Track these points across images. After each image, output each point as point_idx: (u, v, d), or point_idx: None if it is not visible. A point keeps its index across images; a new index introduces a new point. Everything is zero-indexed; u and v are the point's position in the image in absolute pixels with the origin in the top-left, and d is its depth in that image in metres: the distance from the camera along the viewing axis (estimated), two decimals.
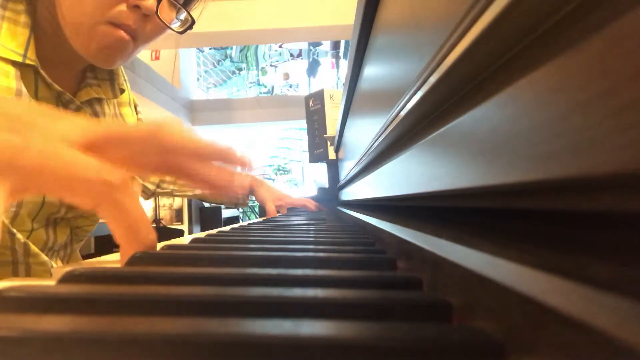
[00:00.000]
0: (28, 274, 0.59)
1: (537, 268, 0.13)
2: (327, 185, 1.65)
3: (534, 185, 0.14)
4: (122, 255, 0.29)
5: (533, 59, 0.14)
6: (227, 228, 0.62)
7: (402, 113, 0.31)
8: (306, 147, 1.88)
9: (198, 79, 6.92)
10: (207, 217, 4.17)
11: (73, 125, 0.27)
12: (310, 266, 0.28)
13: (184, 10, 0.58)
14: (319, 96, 1.77)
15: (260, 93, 7.43)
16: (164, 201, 4.28)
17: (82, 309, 0.17)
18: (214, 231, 0.58)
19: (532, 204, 0.16)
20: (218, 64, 7.40)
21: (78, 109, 0.60)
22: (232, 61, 7.49)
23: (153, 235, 0.30)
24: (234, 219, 5.03)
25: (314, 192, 1.71)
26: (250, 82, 7.55)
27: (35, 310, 0.17)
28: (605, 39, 0.10)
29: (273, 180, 7.79)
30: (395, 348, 0.13)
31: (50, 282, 0.22)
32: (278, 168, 7.84)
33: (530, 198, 0.16)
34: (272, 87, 7.58)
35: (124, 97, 0.71)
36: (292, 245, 0.37)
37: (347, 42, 5.86)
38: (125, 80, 0.71)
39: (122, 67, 0.67)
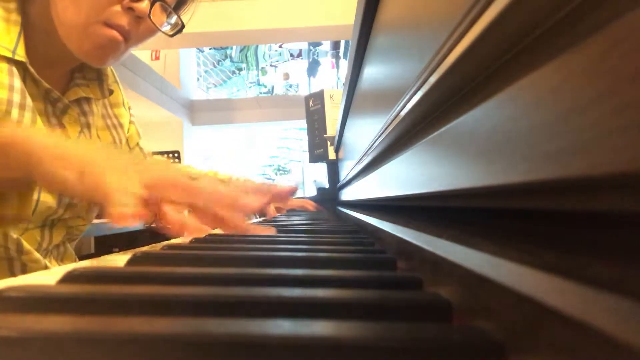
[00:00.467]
0: (24, 271, 0.59)
1: (537, 268, 0.13)
2: (327, 185, 1.65)
3: (534, 185, 0.14)
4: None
5: (533, 59, 0.14)
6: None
7: (402, 113, 0.31)
8: (306, 147, 1.88)
9: (198, 79, 6.92)
10: None
11: (145, 171, 0.39)
12: (310, 266, 0.28)
13: (174, 14, 0.60)
14: (319, 96, 1.77)
15: (260, 93, 7.43)
16: None
17: (82, 309, 0.17)
18: (213, 231, 0.58)
19: (532, 204, 0.16)
20: (218, 64, 7.40)
21: (65, 108, 0.62)
22: (232, 61, 7.49)
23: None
24: None
25: (313, 193, 1.71)
26: (250, 82, 7.55)
27: (35, 310, 0.17)
28: (605, 39, 0.10)
29: (273, 180, 7.79)
30: (395, 348, 0.13)
31: (50, 282, 0.22)
32: (278, 168, 7.84)
33: (530, 198, 0.16)
34: (272, 87, 7.58)
35: (117, 98, 0.72)
36: (292, 245, 0.37)
37: (347, 42, 5.86)
38: (116, 82, 0.72)
39: (112, 68, 0.69)
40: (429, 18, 0.24)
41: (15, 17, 0.54)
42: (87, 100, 0.66)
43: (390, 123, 0.36)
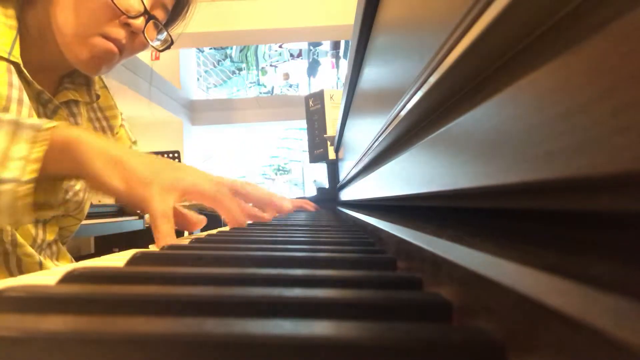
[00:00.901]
0: (19, 266, 0.62)
1: (537, 268, 0.13)
2: (327, 185, 1.65)
3: (534, 185, 0.14)
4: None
5: (533, 59, 0.14)
6: (227, 228, 0.62)
7: (402, 113, 0.31)
8: (306, 147, 1.88)
9: (198, 79, 6.92)
10: (207, 217, 4.17)
11: (183, 179, 0.48)
12: (310, 266, 0.28)
13: (165, 30, 0.65)
14: (319, 96, 1.77)
15: (260, 93, 7.42)
16: None
17: (82, 309, 0.17)
18: (214, 231, 0.58)
19: (532, 204, 0.16)
20: (218, 64, 7.40)
21: (55, 109, 0.65)
22: (232, 61, 7.49)
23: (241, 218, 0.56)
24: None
25: (312, 193, 1.71)
26: (250, 82, 7.55)
27: (35, 310, 0.17)
28: (605, 39, 0.10)
29: (273, 180, 7.79)
30: (395, 348, 0.13)
31: (50, 282, 0.22)
32: (278, 168, 7.84)
33: (530, 198, 0.16)
34: (272, 87, 7.58)
35: (108, 101, 0.76)
36: (292, 245, 0.37)
37: (347, 42, 5.86)
38: (105, 87, 0.76)
39: (100, 75, 0.73)
40: (429, 18, 0.24)
41: (12, 22, 0.57)
42: (76, 103, 0.70)
43: (390, 123, 0.36)
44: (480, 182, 0.17)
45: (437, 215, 0.35)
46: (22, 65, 0.58)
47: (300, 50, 7.41)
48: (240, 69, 7.54)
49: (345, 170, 1.05)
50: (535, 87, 0.13)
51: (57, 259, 0.73)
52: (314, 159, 1.77)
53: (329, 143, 1.66)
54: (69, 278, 0.22)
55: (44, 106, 0.64)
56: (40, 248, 0.67)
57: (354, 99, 0.81)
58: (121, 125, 0.80)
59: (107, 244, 2.91)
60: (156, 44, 0.65)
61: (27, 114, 0.57)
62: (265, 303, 0.17)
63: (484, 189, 0.18)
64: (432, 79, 0.23)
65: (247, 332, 0.13)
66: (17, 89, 0.56)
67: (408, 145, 0.33)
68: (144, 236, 2.68)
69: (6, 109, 0.53)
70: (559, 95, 0.12)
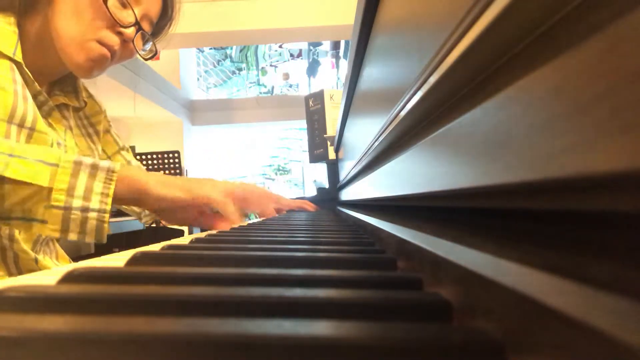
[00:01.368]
0: (17, 262, 0.66)
1: (537, 268, 0.13)
2: (327, 185, 1.65)
3: (534, 185, 0.14)
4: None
5: (533, 59, 0.14)
6: (227, 228, 0.62)
7: (402, 113, 0.31)
8: (306, 147, 1.88)
9: (198, 79, 6.92)
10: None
11: (223, 185, 0.63)
12: (310, 266, 0.28)
13: (151, 41, 0.75)
14: (319, 96, 1.77)
15: (260, 93, 7.42)
16: None
17: (82, 309, 0.17)
18: (214, 231, 0.58)
19: (532, 204, 0.16)
20: (218, 64, 7.39)
21: (50, 110, 0.71)
22: (232, 61, 7.49)
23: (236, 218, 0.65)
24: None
25: (313, 193, 1.71)
26: (250, 82, 7.55)
27: (35, 310, 0.17)
28: (605, 39, 0.10)
29: (273, 180, 7.79)
30: (395, 348, 0.13)
31: (50, 282, 0.22)
32: (278, 168, 7.84)
33: (530, 198, 0.16)
34: (272, 87, 7.57)
35: (94, 107, 0.83)
36: (292, 245, 0.37)
37: (347, 42, 5.86)
38: (91, 96, 0.83)
39: (84, 85, 0.81)
40: (429, 18, 0.24)
41: (14, 28, 0.64)
42: (66, 107, 0.76)
43: (390, 123, 0.36)
44: (480, 182, 0.17)
45: (437, 215, 0.35)
46: (24, 66, 0.63)
47: (300, 50, 7.40)
48: (240, 69, 7.54)
49: (346, 170, 1.05)
50: (535, 87, 0.13)
51: (56, 259, 0.76)
52: (314, 159, 1.77)
53: (329, 143, 1.66)
54: (69, 278, 0.22)
55: (39, 107, 0.68)
56: (39, 243, 0.71)
57: (354, 99, 0.81)
58: (107, 131, 0.86)
59: (107, 244, 2.90)
60: (142, 52, 0.74)
61: (32, 110, 0.63)
62: (265, 303, 0.17)
63: (484, 189, 0.18)
64: (432, 79, 0.23)
65: (247, 332, 0.13)
66: (20, 85, 0.62)
67: (408, 145, 0.33)
68: (144, 236, 2.68)
69: (14, 106, 0.60)
70: (558, 95, 0.12)
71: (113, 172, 0.52)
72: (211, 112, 6.39)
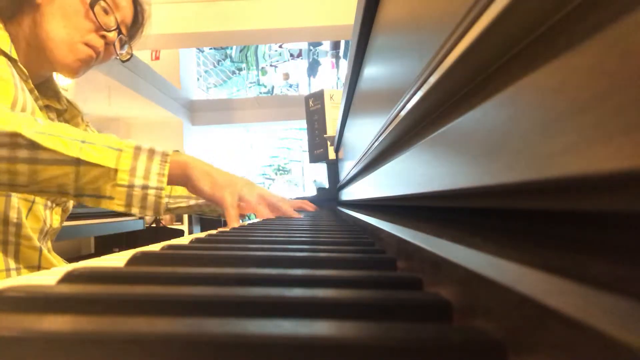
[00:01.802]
0: (17, 256, 0.70)
1: (537, 268, 0.13)
2: (327, 185, 1.65)
3: (534, 185, 0.14)
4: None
5: (533, 59, 0.14)
6: (227, 228, 0.62)
7: (402, 113, 0.31)
8: (306, 147, 1.88)
9: (198, 79, 6.92)
10: (206, 220, 4.17)
11: (250, 186, 0.71)
12: (310, 266, 0.28)
13: (129, 44, 0.84)
14: (319, 96, 1.77)
15: (260, 93, 7.42)
16: None
17: (82, 309, 0.17)
18: (214, 231, 0.58)
19: (532, 204, 0.16)
20: (218, 64, 7.39)
21: (40, 109, 0.75)
22: (232, 61, 7.49)
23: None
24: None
25: (313, 193, 1.71)
26: (250, 82, 7.55)
27: (35, 310, 0.17)
28: (605, 39, 0.10)
29: (273, 180, 7.79)
30: (395, 348, 0.13)
31: (50, 282, 0.22)
32: (278, 168, 7.83)
33: (530, 198, 0.16)
34: (272, 87, 7.57)
35: (72, 112, 0.88)
36: (292, 245, 0.37)
37: (347, 42, 5.86)
38: (69, 102, 0.89)
39: (63, 93, 0.87)
40: (429, 18, 0.24)
41: (2, 32, 0.70)
42: (49, 109, 0.81)
43: (390, 123, 0.36)
44: (480, 182, 0.17)
45: (437, 215, 0.35)
46: (18, 62, 0.68)
47: (300, 50, 7.40)
48: (240, 69, 7.54)
49: (346, 170, 1.05)
50: (535, 87, 0.13)
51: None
52: (314, 159, 1.77)
53: (329, 143, 1.66)
54: (69, 278, 0.22)
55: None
56: (44, 234, 0.75)
57: (354, 99, 0.81)
58: (85, 130, 0.90)
59: (107, 244, 2.91)
60: (121, 54, 0.83)
61: (30, 102, 0.67)
62: (265, 303, 0.17)
63: (484, 189, 0.18)
64: (432, 79, 0.23)
65: (247, 332, 0.13)
66: (18, 79, 0.66)
67: (408, 145, 0.33)
68: (144, 236, 2.68)
69: (15, 96, 0.63)
70: (558, 95, 0.12)
71: (167, 155, 0.61)
72: (211, 112, 6.39)
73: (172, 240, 0.46)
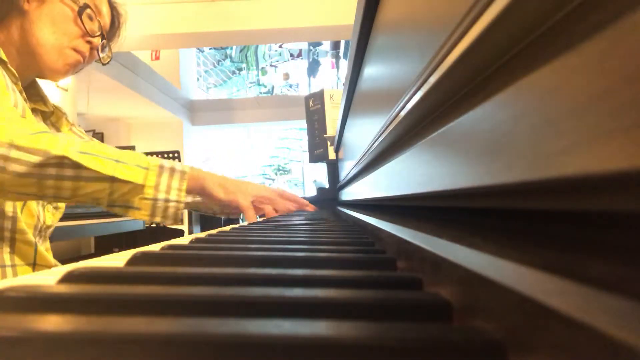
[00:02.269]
0: (12, 251, 0.72)
1: (537, 268, 0.13)
2: (327, 185, 1.65)
3: (534, 185, 0.14)
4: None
5: (533, 59, 0.14)
6: (227, 228, 0.62)
7: (402, 113, 0.31)
8: (306, 147, 1.88)
9: (198, 79, 6.92)
10: (207, 217, 4.17)
11: (253, 187, 0.81)
12: (310, 266, 0.28)
13: (108, 48, 0.90)
14: (319, 96, 1.77)
15: (260, 93, 7.42)
16: None
17: (82, 309, 0.17)
18: (214, 231, 0.58)
19: (532, 204, 0.16)
20: (218, 64, 7.39)
21: (30, 111, 0.80)
22: (232, 61, 7.49)
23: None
24: (234, 219, 5.03)
25: (312, 193, 1.71)
26: (250, 82, 7.55)
27: (35, 310, 0.17)
28: (605, 39, 0.10)
29: (273, 180, 7.79)
30: (395, 348, 0.13)
31: (50, 282, 0.22)
32: (278, 168, 7.83)
33: (530, 198, 0.16)
34: (272, 87, 7.57)
35: (57, 114, 0.91)
36: (292, 245, 0.37)
37: (347, 42, 5.86)
38: (55, 106, 0.92)
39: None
40: (429, 18, 0.24)
41: None
42: (36, 112, 0.84)
43: (390, 123, 0.36)
44: (480, 182, 0.17)
45: (437, 215, 0.35)
46: (8, 64, 0.71)
47: (300, 50, 7.40)
48: (240, 69, 7.54)
49: (346, 170, 1.05)
50: (535, 87, 0.13)
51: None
52: (314, 159, 1.77)
53: (329, 143, 1.66)
54: (69, 278, 0.22)
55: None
56: (38, 231, 0.78)
57: (354, 99, 0.81)
58: (70, 130, 0.93)
59: (107, 244, 2.91)
60: (102, 56, 0.88)
61: (21, 101, 0.69)
62: (265, 303, 0.17)
63: (483, 189, 0.18)
64: (432, 79, 0.23)
65: (247, 332, 0.13)
66: (8, 79, 0.69)
67: (408, 145, 0.33)
68: (144, 236, 2.68)
69: (15, 102, 0.67)
70: (558, 95, 0.12)
71: (185, 173, 0.71)
72: (211, 112, 6.39)
73: (172, 240, 0.46)
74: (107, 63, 0.90)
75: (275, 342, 0.13)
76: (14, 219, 0.72)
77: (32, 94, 0.85)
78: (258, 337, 0.13)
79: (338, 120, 1.19)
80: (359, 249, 0.35)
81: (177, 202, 0.69)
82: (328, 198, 1.57)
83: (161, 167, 0.68)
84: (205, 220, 4.17)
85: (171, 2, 3.44)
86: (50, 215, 0.83)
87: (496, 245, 0.17)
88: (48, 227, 0.82)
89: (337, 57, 7.04)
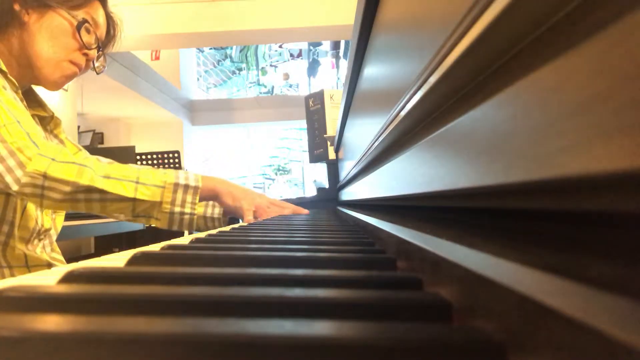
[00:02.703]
0: (4, 254, 0.76)
1: (537, 268, 0.13)
2: (327, 185, 1.65)
3: (534, 185, 0.14)
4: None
5: (533, 59, 0.14)
6: (227, 228, 0.62)
7: (402, 113, 0.31)
8: (306, 147, 1.88)
9: (198, 79, 6.91)
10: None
11: (254, 195, 0.90)
12: (310, 266, 0.28)
13: (103, 57, 0.94)
14: (319, 96, 1.77)
15: (260, 93, 7.42)
16: None
17: (82, 309, 0.17)
18: (214, 231, 0.58)
19: (532, 204, 0.16)
20: (218, 64, 7.39)
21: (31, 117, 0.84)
22: (232, 61, 7.49)
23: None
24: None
25: (311, 193, 1.71)
26: (250, 82, 7.55)
27: (35, 310, 0.17)
28: (605, 39, 0.10)
29: (273, 180, 7.79)
30: (395, 348, 0.13)
31: (50, 282, 0.22)
32: (278, 168, 7.83)
33: (530, 198, 0.16)
34: (272, 87, 7.57)
35: (57, 121, 0.95)
36: (292, 245, 0.37)
37: (347, 42, 5.86)
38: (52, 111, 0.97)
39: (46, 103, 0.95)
40: (429, 18, 0.24)
41: None
42: (34, 119, 0.87)
43: (390, 123, 0.36)
44: (480, 182, 0.17)
45: (437, 215, 0.35)
46: (8, 74, 0.76)
47: (300, 50, 7.40)
48: (240, 69, 7.54)
49: (346, 170, 1.05)
50: (535, 87, 0.13)
51: (51, 251, 0.87)
52: (314, 159, 1.77)
53: (329, 143, 1.66)
54: (69, 278, 0.22)
55: None
56: (37, 233, 0.82)
57: (354, 99, 0.81)
58: (66, 138, 0.98)
59: (107, 244, 2.90)
60: (97, 66, 0.93)
61: (24, 109, 0.74)
62: (265, 303, 0.17)
63: (484, 189, 0.18)
64: (432, 79, 0.23)
65: (247, 332, 0.13)
66: (9, 88, 0.74)
67: (408, 145, 0.33)
68: (144, 236, 2.68)
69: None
70: (558, 95, 0.12)
71: (198, 187, 0.80)
72: (211, 112, 6.39)
73: (172, 240, 0.46)
74: (101, 72, 0.94)
75: (275, 342, 0.13)
76: (12, 225, 0.77)
77: (30, 100, 0.88)
78: (258, 337, 0.13)
79: (338, 120, 1.19)
80: (359, 249, 0.35)
81: (191, 214, 0.79)
82: (328, 198, 1.57)
83: (176, 185, 0.78)
84: None
85: (171, 2, 3.44)
86: (49, 219, 0.87)
87: (496, 245, 0.17)
88: (46, 230, 0.85)
89: (337, 57, 7.04)
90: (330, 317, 0.17)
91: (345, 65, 5.34)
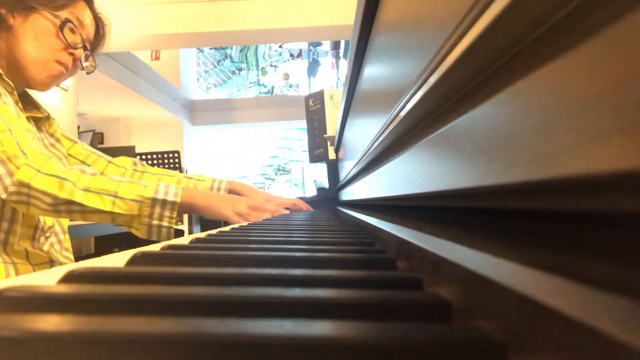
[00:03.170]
0: (5, 251, 0.78)
1: (537, 268, 0.13)
2: (327, 185, 1.65)
3: (534, 185, 0.14)
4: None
5: (533, 59, 0.14)
6: (227, 228, 0.62)
7: (402, 113, 0.31)
8: (306, 147, 1.88)
9: (198, 79, 6.91)
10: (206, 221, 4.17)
11: (238, 202, 0.89)
12: (310, 266, 0.28)
13: (91, 57, 0.95)
14: (319, 96, 1.77)
15: (260, 93, 7.42)
16: None
17: (82, 309, 0.17)
18: (214, 231, 0.58)
19: (532, 204, 0.16)
20: (218, 64, 7.39)
21: (27, 120, 0.86)
22: (232, 61, 7.49)
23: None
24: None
25: (312, 193, 1.71)
26: (250, 82, 7.54)
27: (35, 310, 0.17)
28: (605, 39, 0.10)
29: (273, 180, 7.79)
30: (395, 348, 0.13)
31: (50, 282, 0.22)
32: (278, 168, 7.84)
33: (530, 198, 0.16)
34: (272, 87, 7.57)
35: (51, 121, 0.97)
36: (292, 245, 0.37)
37: (347, 42, 5.86)
38: (47, 112, 0.99)
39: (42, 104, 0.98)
40: (429, 18, 0.24)
41: None
42: (29, 120, 0.89)
43: (390, 123, 0.36)
44: (480, 182, 0.17)
45: (437, 215, 0.35)
46: (4, 75, 0.78)
47: (300, 50, 7.40)
48: (240, 69, 7.54)
49: (346, 170, 1.05)
50: (535, 87, 0.13)
51: (60, 249, 0.90)
52: (314, 159, 1.77)
53: (329, 143, 1.66)
54: (69, 278, 0.22)
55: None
56: (41, 230, 0.84)
57: (354, 99, 0.81)
58: (62, 134, 1.01)
59: (107, 244, 2.90)
60: (85, 66, 0.94)
61: (16, 111, 0.77)
62: (265, 303, 0.17)
63: (484, 189, 0.18)
64: (432, 79, 0.23)
65: (247, 332, 0.13)
66: (3, 90, 0.77)
67: (408, 145, 0.33)
68: None
69: (18, 113, 0.74)
70: (558, 95, 0.12)
71: (175, 203, 0.81)
72: (211, 112, 6.39)
73: (172, 240, 0.46)
74: (92, 72, 0.95)
75: (275, 342, 0.13)
76: (12, 222, 0.79)
77: (25, 102, 0.90)
78: (258, 337, 0.13)
79: (338, 120, 1.19)
80: (359, 249, 0.35)
81: (169, 227, 0.82)
82: (328, 198, 1.57)
83: (154, 200, 0.80)
84: (205, 220, 4.16)
85: (171, 2, 3.44)
86: (50, 218, 0.88)
87: (496, 245, 0.17)
88: (50, 227, 0.87)
89: (337, 57, 7.04)
90: (330, 317, 0.17)
91: (345, 65, 5.34)
